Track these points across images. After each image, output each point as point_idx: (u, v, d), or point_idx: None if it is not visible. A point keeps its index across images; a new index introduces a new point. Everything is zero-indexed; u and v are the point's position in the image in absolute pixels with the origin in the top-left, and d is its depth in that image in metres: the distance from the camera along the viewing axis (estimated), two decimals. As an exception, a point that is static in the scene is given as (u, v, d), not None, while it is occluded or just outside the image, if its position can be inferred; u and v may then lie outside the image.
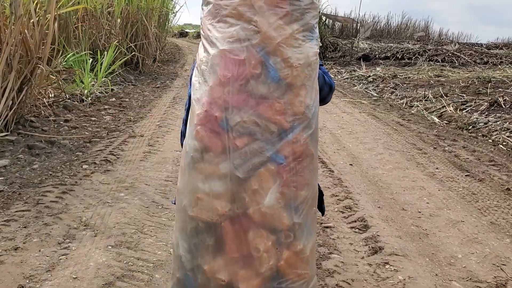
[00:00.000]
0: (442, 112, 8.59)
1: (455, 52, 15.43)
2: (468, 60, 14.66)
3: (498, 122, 7.37)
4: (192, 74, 1.65)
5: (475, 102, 8.75)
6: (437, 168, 5.24)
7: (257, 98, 1.39)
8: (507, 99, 8.33)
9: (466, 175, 5.03)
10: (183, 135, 1.78)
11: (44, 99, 6.94)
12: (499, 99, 8.33)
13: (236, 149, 1.38)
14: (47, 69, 6.25)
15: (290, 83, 1.40)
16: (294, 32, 1.42)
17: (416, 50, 16.00)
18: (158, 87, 10.32)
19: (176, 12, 22.82)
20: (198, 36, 38.58)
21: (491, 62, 14.34)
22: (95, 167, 4.67)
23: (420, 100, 9.84)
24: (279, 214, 1.41)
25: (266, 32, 1.38)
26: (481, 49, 16.90)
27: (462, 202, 4.25)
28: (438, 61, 14.78)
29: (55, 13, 5.96)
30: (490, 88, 9.70)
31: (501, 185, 4.75)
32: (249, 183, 1.39)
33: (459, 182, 4.80)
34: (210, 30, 1.45)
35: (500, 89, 9.61)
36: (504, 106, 8.15)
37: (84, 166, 4.66)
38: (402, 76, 12.89)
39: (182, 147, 1.78)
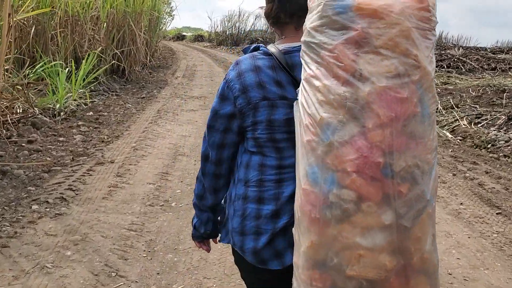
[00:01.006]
0: (454, 127, 7.68)
1: (460, 57, 14.53)
2: (475, 65, 13.75)
3: (521, 140, 6.46)
4: (221, 102, 1.45)
5: (490, 115, 7.85)
6: (461, 204, 4.33)
7: (416, 139, 1.28)
8: (528, 112, 7.42)
9: (497, 213, 4.12)
10: (205, 182, 1.57)
11: (8, 115, 6.04)
12: (519, 112, 7.42)
13: (401, 196, 1.27)
14: (1, 82, 5.33)
15: (434, 119, 1.34)
16: (435, 64, 1.37)
17: (420, 55, 15.04)
18: (143, 97, 9.39)
19: (173, 15, 22.08)
20: (195, 39, 37.71)
21: (499, 68, 13.43)
22: (46, 208, 3.75)
23: (429, 111, 8.93)
24: (433, 257, 1.36)
25: (425, 68, 1.27)
26: (487, 54, 15.99)
27: (502, 257, 3.34)
28: (444, 67, 13.87)
29: (10, 19, 5.04)
30: (505, 99, 8.80)
31: (543, 228, 3.84)
32: (414, 231, 1.30)
33: (491, 224, 3.89)
34: (356, 62, 1.25)
35: (516, 100, 8.72)
36: (525, 121, 7.24)
37: (34, 207, 3.75)
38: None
39: (196, 194, 1.62)
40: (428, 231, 1.33)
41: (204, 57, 20.82)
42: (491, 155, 6.12)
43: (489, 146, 6.54)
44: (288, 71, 1.38)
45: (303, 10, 1.33)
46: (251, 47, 1.49)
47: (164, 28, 21.00)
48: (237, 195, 1.45)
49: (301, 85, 1.29)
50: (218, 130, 1.46)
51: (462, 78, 11.96)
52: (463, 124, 7.64)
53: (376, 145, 1.25)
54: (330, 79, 1.27)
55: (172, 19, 30.06)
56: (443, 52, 16.63)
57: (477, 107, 8.68)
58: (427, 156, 1.30)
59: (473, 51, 16.73)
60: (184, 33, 44.07)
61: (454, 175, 5.18)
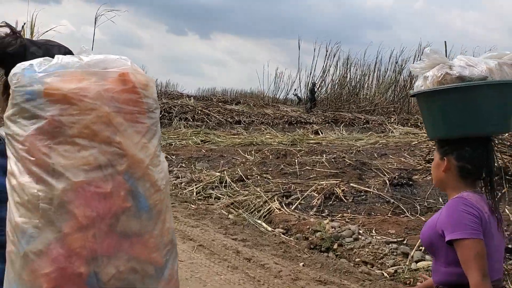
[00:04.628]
0: (266, 212, 5.61)
1: (204, 109, 13.00)
2: (221, 119, 12.37)
3: (370, 236, 4.78)
4: None
5: (300, 191, 6.09)
6: None
7: (130, 238, 1.04)
8: (345, 189, 5.93)
9: None
10: None
11: None
12: (336, 189, 5.86)
13: None
14: None
15: (159, 210, 1.11)
16: (156, 149, 1.14)
17: (161, 106, 12.86)
18: None
19: None
20: None
21: (244, 122, 12.38)
22: None
23: (217, 186, 6.70)
24: None
25: (134, 155, 1.07)
26: (225, 106, 14.98)
27: None
28: (190, 120, 12.03)
29: None
30: (297, 166, 7.27)
31: None
32: None
33: None
34: (49, 155, 1.01)
35: (306, 166, 7.27)
36: (345, 200, 5.70)
37: None
38: (162, 142, 9.57)
39: None
40: None
41: None
42: (352, 268, 4.18)
43: (336, 247, 4.66)
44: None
45: None
46: None
47: None
48: None
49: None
50: None
51: (219, 135, 10.26)
52: (276, 208, 5.64)
53: (77, 252, 1.00)
54: (25, 176, 1.04)
55: None
56: (176, 101, 14.91)
57: (270, 177, 6.90)
58: (151, 256, 1.08)
59: (211, 103, 15.53)
60: None
61: None
